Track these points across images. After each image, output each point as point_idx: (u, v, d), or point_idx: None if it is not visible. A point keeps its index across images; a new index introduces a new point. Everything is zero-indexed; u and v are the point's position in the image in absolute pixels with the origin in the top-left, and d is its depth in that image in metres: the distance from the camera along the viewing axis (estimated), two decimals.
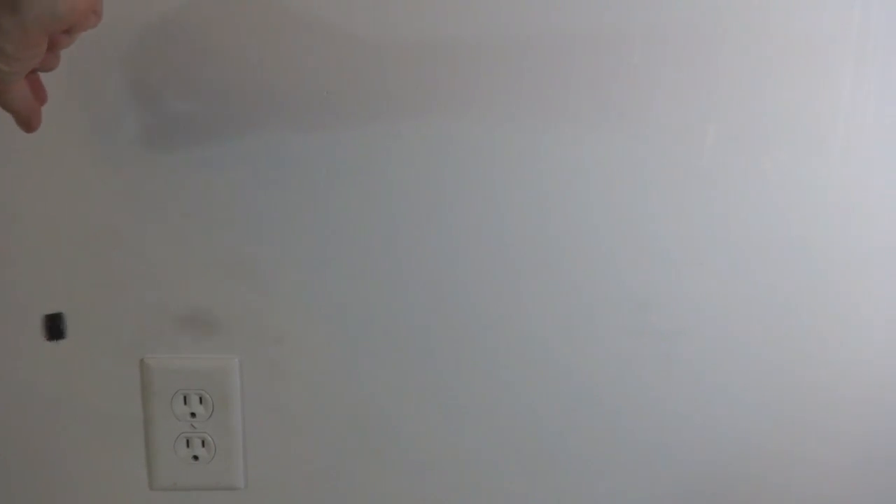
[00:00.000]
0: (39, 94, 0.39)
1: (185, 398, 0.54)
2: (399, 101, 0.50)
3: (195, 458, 0.56)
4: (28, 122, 0.38)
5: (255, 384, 0.55)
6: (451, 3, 0.48)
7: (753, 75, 0.50)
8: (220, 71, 0.49)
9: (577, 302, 0.54)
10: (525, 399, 0.56)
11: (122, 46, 0.48)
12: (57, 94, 0.48)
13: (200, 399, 0.54)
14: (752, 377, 0.56)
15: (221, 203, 0.52)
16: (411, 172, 0.51)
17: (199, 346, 0.54)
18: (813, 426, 0.57)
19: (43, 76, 0.38)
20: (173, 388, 0.54)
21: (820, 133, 0.51)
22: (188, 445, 0.55)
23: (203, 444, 0.55)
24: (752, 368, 0.56)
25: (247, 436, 0.56)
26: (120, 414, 0.55)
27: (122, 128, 0.50)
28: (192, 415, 0.55)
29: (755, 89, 0.51)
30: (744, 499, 0.59)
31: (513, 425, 0.57)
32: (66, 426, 0.55)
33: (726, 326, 0.55)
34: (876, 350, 0.55)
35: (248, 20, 0.48)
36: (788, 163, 0.52)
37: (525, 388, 0.56)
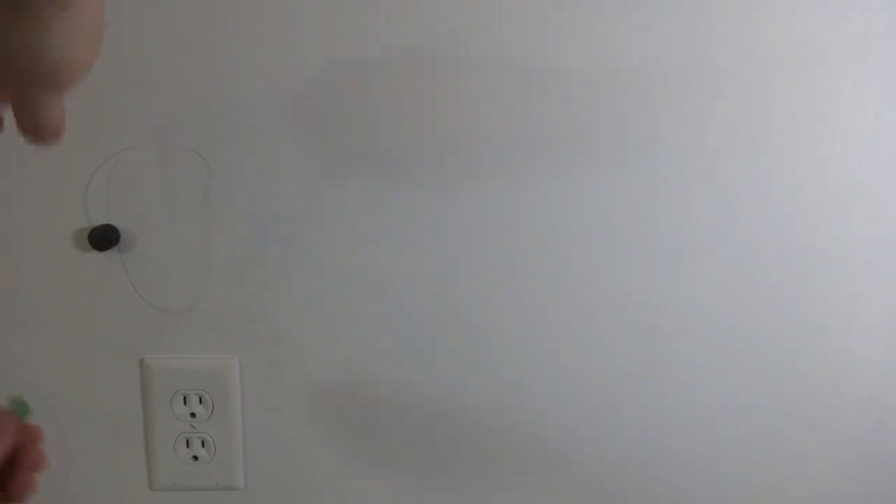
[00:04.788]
0: None
1: (185, 398, 0.54)
2: (396, 113, 0.50)
3: (195, 458, 0.56)
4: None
5: (255, 384, 0.55)
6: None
7: (754, 76, 0.50)
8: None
9: (577, 302, 0.54)
10: (525, 399, 0.56)
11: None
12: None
13: (200, 399, 0.54)
14: (751, 377, 0.56)
15: (222, 203, 0.52)
16: (410, 170, 0.51)
17: (199, 345, 0.54)
18: (813, 425, 0.57)
19: None
20: (173, 388, 0.54)
21: (820, 133, 0.51)
22: (188, 446, 0.55)
23: (203, 444, 0.55)
24: (752, 368, 0.56)
25: (247, 436, 0.56)
26: (120, 414, 0.55)
27: (120, 132, 0.50)
28: (192, 415, 0.55)
29: (755, 90, 0.51)
30: (743, 498, 0.59)
31: (513, 425, 0.57)
32: (66, 426, 0.55)
33: (726, 326, 0.55)
34: (876, 350, 0.55)
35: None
36: (788, 163, 0.52)
37: (525, 387, 0.56)
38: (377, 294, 0.54)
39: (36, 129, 0.32)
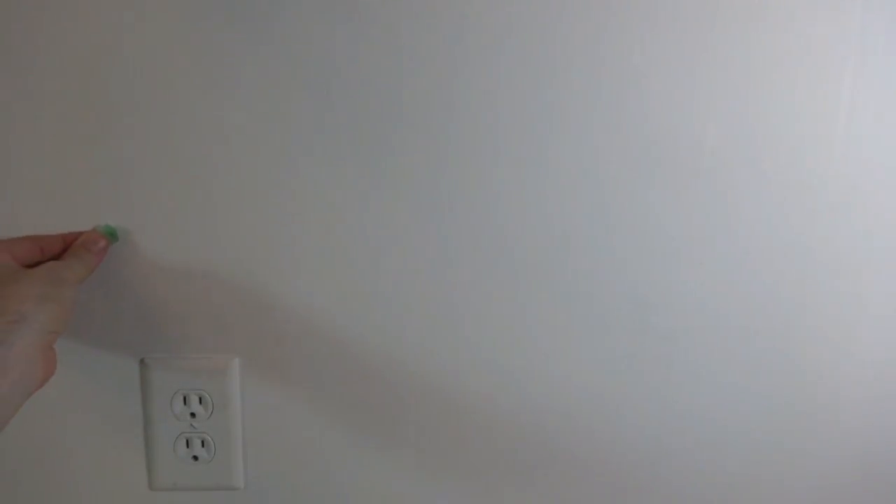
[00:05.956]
0: None
1: (184, 398, 0.54)
2: (398, 103, 0.50)
3: (195, 458, 0.56)
4: None
5: (255, 384, 0.55)
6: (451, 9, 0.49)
7: (754, 75, 0.50)
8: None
9: (577, 302, 0.54)
10: (525, 399, 0.56)
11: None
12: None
13: (200, 399, 0.54)
14: (752, 377, 0.56)
15: (222, 203, 0.52)
16: (411, 170, 0.51)
17: (199, 345, 0.54)
18: (814, 425, 0.57)
19: None
20: (173, 388, 0.54)
21: (820, 133, 0.51)
22: (188, 445, 0.55)
23: (203, 444, 0.55)
24: (753, 368, 0.56)
25: (247, 436, 0.56)
26: (120, 414, 0.55)
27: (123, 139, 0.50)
28: (192, 415, 0.55)
29: (755, 89, 0.51)
30: (744, 498, 0.59)
31: (513, 425, 0.57)
32: (66, 426, 0.55)
33: (727, 326, 0.55)
34: (876, 349, 0.55)
35: None
36: (788, 163, 0.52)
37: (525, 388, 0.56)
38: (378, 294, 0.54)
39: None
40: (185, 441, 0.55)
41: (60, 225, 0.51)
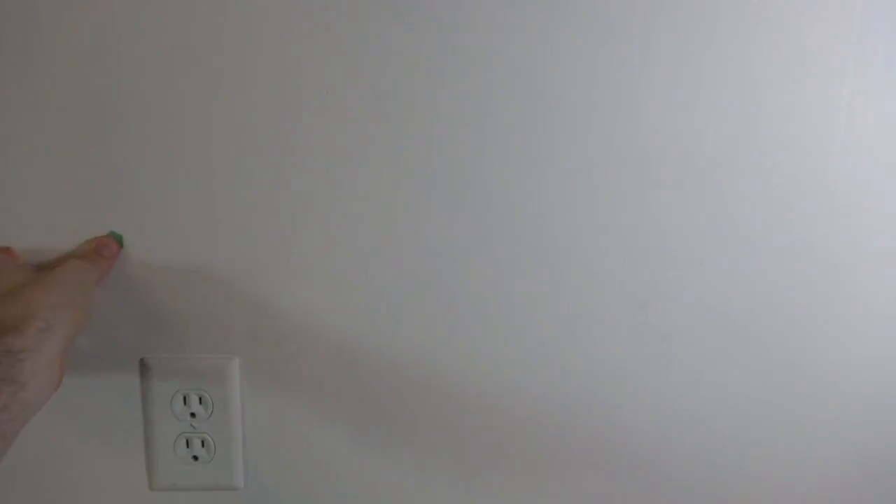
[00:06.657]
0: None
1: (184, 398, 0.54)
2: (398, 103, 0.50)
3: (195, 458, 0.56)
4: None
5: (255, 384, 0.55)
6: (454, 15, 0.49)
7: (753, 75, 0.50)
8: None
9: (577, 302, 0.54)
10: (525, 399, 0.56)
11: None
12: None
13: (200, 399, 0.54)
14: (751, 377, 0.56)
15: (221, 204, 0.52)
16: (410, 171, 0.51)
17: (199, 345, 0.54)
18: (813, 426, 0.57)
19: None
20: (173, 388, 0.54)
21: (820, 133, 0.51)
22: (188, 446, 0.55)
23: (203, 444, 0.55)
24: (752, 368, 0.56)
25: (246, 436, 0.56)
26: (120, 414, 0.55)
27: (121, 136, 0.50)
28: (192, 415, 0.55)
29: (755, 89, 0.51)
30: (744, 499, 0.59)
31: (513, 425, 0.57)
32: (66, 426, 0.55)
33: (726, 326, 0.55)
34: (876, 349, 0.55)
35: None
36: (788, 163, 0.52)
37: (525, 388, 0.56)
38: (378, 294, 0.54)
39: None
40: (185, 441, 0.55)
41: (60, 224, 0.51)
